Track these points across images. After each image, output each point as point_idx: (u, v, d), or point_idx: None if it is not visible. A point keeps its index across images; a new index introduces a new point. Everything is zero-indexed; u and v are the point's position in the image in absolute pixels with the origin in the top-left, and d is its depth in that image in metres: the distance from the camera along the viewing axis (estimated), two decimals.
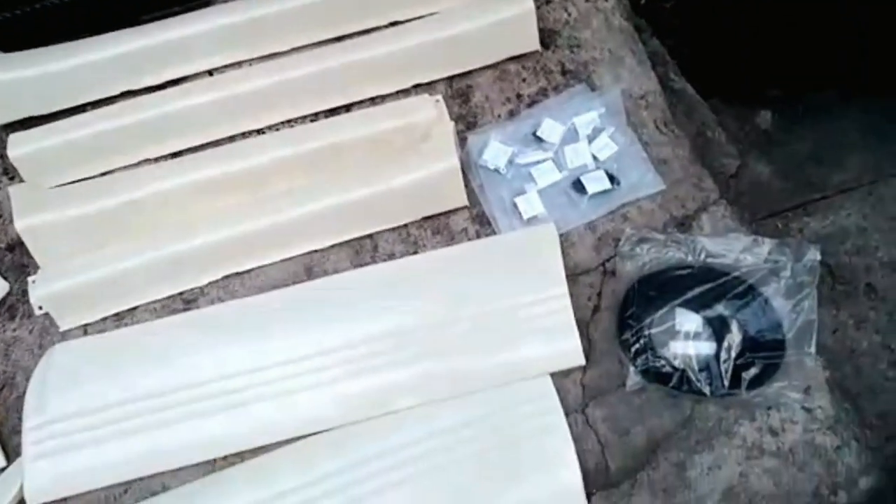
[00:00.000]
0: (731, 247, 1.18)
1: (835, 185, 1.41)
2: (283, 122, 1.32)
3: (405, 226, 1.26)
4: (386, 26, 1.37)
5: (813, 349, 1.09)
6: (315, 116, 1.33)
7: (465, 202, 1.26)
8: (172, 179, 1.23)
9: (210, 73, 1.35)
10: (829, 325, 1.26)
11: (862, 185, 1.40)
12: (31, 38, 1.33)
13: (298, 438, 1.10)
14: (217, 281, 1.23)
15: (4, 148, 1.30)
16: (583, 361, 1.12)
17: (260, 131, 1.32)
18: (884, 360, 1.24)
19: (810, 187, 1.41)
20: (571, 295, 1.16)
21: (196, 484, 1.10)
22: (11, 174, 1.31)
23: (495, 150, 1.28)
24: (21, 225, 1.19)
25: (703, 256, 1.18)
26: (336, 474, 1.07)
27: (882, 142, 1.46)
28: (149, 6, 1.39)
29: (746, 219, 1.26)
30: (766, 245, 1.17)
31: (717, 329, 1.12)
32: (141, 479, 1.11)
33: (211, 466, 1.11)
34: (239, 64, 1.35)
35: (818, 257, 1.14)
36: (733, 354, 1.10)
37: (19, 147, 1.25)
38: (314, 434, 1.10)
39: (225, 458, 1.11)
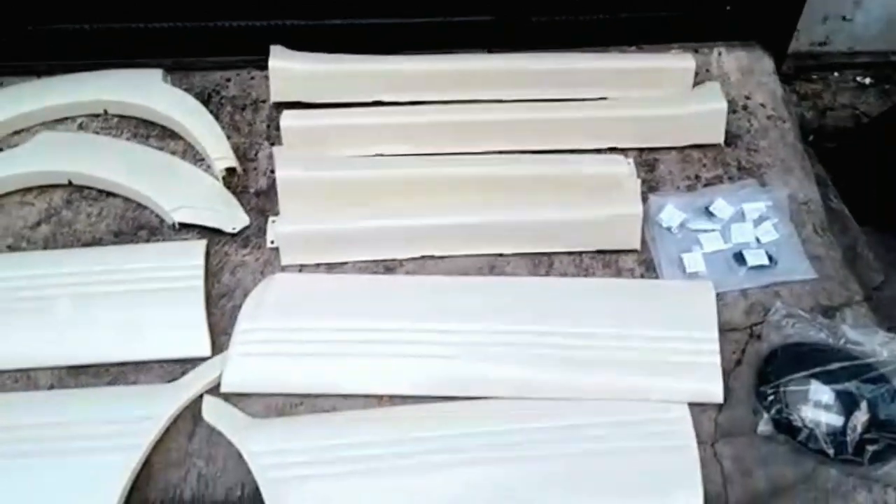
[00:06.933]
0: (870, 339, 1.29)
1: None
2: (500, 151, 1.58)
3: (580, 254, 1.45)
4: (596, 99, 1.65)
5: None
6: (526, 153, 1.58)
7: (637, 247, 1.45)
8: (407, 169, 1.51)
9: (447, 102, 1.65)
10: None
11: None
12: (317, 46, 1.68)
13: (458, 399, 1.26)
14: (415, 258, 1.45)
15: (272, 120, 1.62)
16: (721, 400, 1.23)
17: (482, 153, 1.58)
18: None
19: None
20: (719, 345, 1.29)
21: (359, 412, 1.25)
22: (272, 141, 1.62)
23: (671, 213, 1.48)
24: (282, 174, 1.46)
25: (843, 341, 1.29)
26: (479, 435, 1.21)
27: None
28: (408, 44, 1.73)
29: (885, 325, 1.37)
30: None
31: (847, 405, 1.21)
32: (316, 396, 1.26)
33: (377, 401, 1.26)
34: (472, 101, 1.64)
35: None
36: (859, 430, 1.19)
37: (290, 120, 1.56)
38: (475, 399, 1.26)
39: (391, 397, 1.27)
